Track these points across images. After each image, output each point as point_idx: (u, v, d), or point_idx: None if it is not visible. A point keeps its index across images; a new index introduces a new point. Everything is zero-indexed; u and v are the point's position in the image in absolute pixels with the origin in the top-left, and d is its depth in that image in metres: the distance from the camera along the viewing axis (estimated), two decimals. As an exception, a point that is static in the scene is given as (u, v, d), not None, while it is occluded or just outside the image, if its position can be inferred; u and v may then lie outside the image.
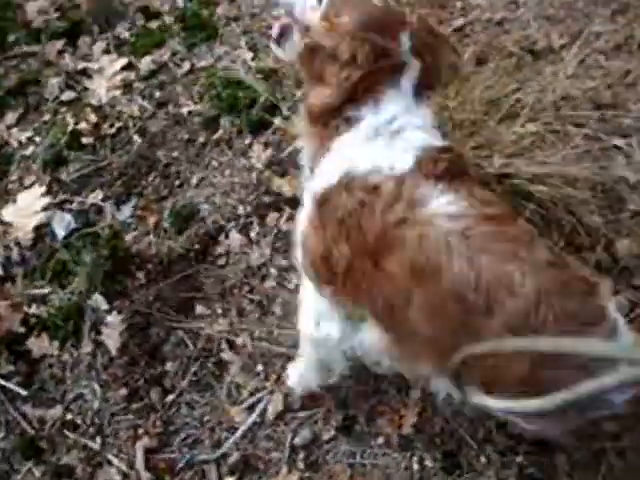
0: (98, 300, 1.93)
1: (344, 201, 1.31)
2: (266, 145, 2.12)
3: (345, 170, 1.32)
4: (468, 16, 2.49)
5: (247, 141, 2.16)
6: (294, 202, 1.93)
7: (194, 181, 2.12)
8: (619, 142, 2.27)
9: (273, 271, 2.00)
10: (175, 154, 2.16)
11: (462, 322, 1.22)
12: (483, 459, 1.79)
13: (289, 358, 1.88)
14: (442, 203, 1.25)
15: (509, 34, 2.46)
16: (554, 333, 1.14)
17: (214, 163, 2.15)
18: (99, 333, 1.90)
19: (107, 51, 2.30)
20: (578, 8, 2.57)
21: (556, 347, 0.96)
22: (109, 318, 1.90)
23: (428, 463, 1.79)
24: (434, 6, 2.50)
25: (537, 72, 2.27)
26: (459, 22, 2.46)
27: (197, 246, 2.03)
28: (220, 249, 2.04)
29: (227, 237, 2.05)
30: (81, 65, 2.25)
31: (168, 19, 2.41)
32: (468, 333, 1.21)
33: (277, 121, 2.16)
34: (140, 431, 1.82)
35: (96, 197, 2.07)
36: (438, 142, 1.39)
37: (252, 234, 2.04)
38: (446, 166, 1.30)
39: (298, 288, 1.70)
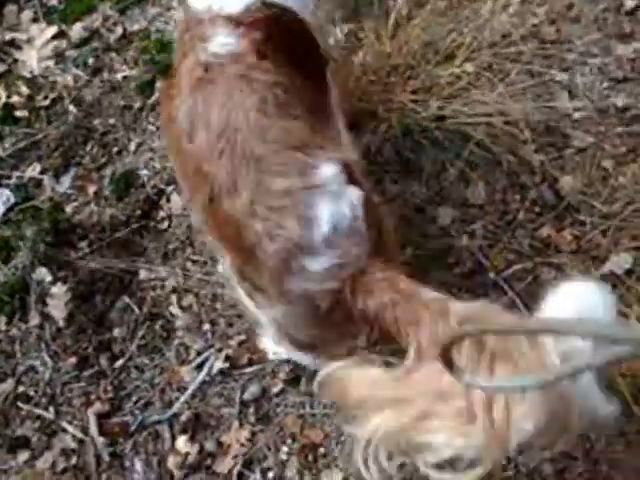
0: (42, 273, 1.93)
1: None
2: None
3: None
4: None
5: (183, 103, 2.13)
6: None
7: (132, 147, 2.10)
8: (562, 77, 2.24)
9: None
10: (112, 121, 2.13)
11: None
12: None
13: (235, 316, 1.90)
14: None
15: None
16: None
17: (151, 128, 2.12)
18: (45, 305, 1.91)
19: (35, 19, 2.25)
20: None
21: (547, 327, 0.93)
22: (54, 289, 1.91)
23: (377, 408, 1.82)
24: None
25: (475, 11, 2.22)
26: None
27: (139, 212, 2.02)
28: (162, 213, 2.03)
29: (168, 200, 2.04)
30: (9, 36, 2.20)
31: (98, -18, 2.35)
32: None
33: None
34: (92, 397, 1.85)
35: (34, 170, 2.05)
36: None
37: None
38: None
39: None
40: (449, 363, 1.11)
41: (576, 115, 2.18)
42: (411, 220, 1.98)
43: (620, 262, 1.95)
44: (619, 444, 1.73)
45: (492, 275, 1.95)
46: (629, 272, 1.93)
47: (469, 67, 2.07)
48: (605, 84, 2.24)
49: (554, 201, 2.04)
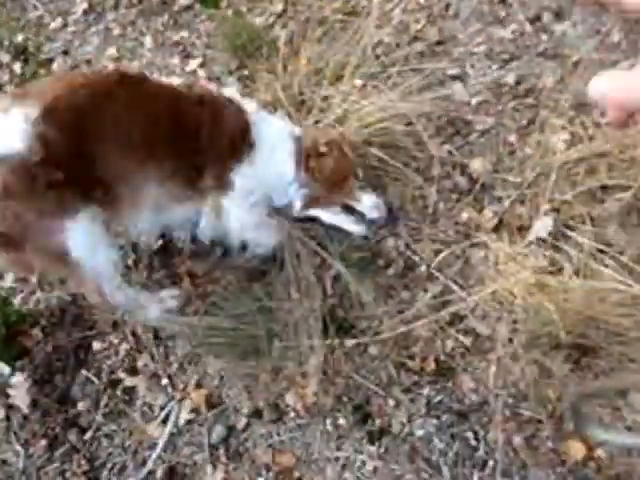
0: (0, 367, 1.99)
1: None
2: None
3: None
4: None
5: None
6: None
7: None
8: (453, 70, 2.36)
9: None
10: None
11: None
12: (392, 402, 1.86)
13: (189, 363, 1.97)
14: None
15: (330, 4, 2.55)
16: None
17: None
18: (8, 397, 1.96)
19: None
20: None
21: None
22: (14, 380, 1.96)
23: (342, 422, 1.86)
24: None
25: (357, 30, 2.35)
26: (279, 8, 2.55)
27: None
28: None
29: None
30: None
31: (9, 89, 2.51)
32: None
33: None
34: (68, 475, 1.88)
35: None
36: None
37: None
38: None
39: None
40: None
41: (473, 101, 2.30)
42: (332, 235, 2.07)
43: (543, 227, 2.02)
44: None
45: (424, 268, 2.02)
46: (553, 234, 2.01)
47: (357, 81, 2.20)
48: (494, 66, 2.36)
49: (468, 185, 2.14)
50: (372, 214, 2.04)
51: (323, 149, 1.92)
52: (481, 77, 2.35)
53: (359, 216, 2.07)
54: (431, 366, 1.89)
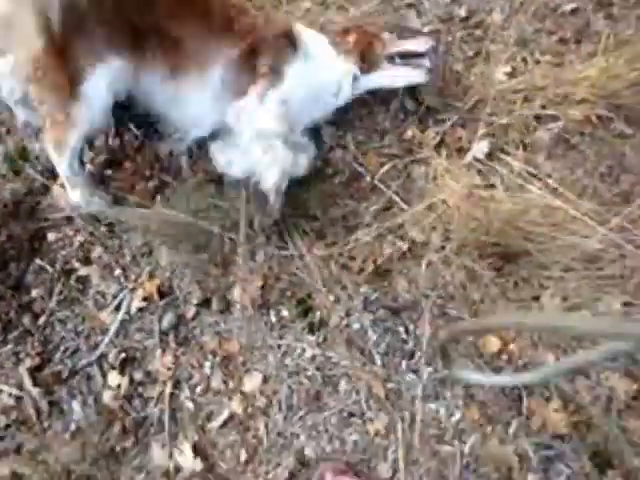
0: (-48, 253, 2.03)
1: None
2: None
3: None
4: None
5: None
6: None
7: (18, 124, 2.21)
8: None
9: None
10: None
11: None
12: (332, 297, 2.02)
13: (142, 255, 2.06)
14: None
15: None
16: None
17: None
18: (-41, 282, 2.01)
19: None
20: None
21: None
22: (-34, 266, 2.01)
23: (285, 313, 2.01)
24: None
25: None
26: None
27: (37, 183, 2.15)
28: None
29: (64, 167, 2.17)
30: None
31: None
32: None
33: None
34: (21, 355, 1.97)
35: None
36: None
37: (85, 157, 2.16)
38: None
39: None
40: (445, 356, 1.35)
41: (426, 29, 2.42)
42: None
43: (480, 149, 2.20)
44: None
45: (369, 179, 2.16)
46: (489, 156, 2.19)
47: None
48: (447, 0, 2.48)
49: (415, 107, 2.27)
50: (422, 46, 2.14)
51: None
52: (434, 8, 2.47)
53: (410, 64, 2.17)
54: (370, 268, 2.05)
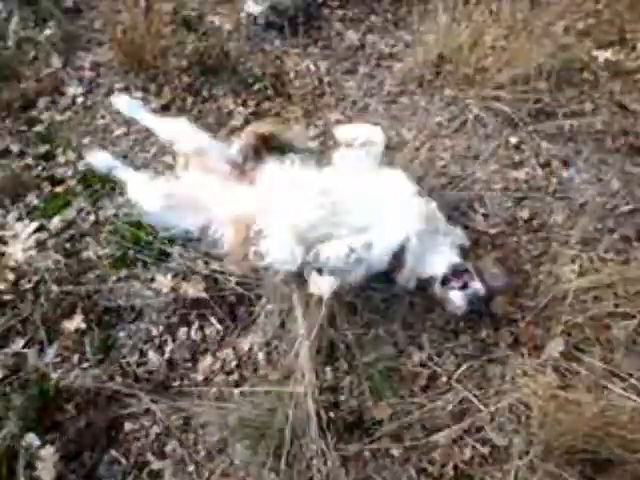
0: (31, 438, 2.04)
1: None
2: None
3: None
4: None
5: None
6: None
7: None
8: (476, 204, 2.65)
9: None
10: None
11: None
12: (411, 505, 1.91)
13: (219, 452, 2.03)
14: None
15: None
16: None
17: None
18: (34, 469, 2.00)
19: (20, 218, 2.60)
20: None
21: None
22: (42, 452, 2.01)
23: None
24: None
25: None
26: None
27: (120, 371, 2.21)
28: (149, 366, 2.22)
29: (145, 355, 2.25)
30: (-3, 234, 2.53)
31: (71, 183, 2.76)
32: None
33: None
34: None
35: (17, 346, 2.25)
36: None
37: (166, 349, 2.25)
38: None
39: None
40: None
41: (492, 231, 2.55)
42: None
43: (555, 347, 2.20)
44: None
45: (445, 379, 2.16)
46: (565, 354, 2.18)
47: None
48: (509, 203, 2.65)
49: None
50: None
51: None
52: (498, 211, 2.63)
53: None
54: (450, 473, 1.97)
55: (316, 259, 2.11)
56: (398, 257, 2.16)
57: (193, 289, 2.35)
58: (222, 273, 2.36)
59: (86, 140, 2.97)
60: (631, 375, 2.12)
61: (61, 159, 2.89)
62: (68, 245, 2.56)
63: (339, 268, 2.10)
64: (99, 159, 2.79)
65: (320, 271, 2.13)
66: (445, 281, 2.18)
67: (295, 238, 2.18)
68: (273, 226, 2.22)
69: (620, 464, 1.87)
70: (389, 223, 2.17)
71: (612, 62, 3.15)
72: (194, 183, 2.49)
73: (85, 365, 2.23)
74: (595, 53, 3.18)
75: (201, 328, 2.29)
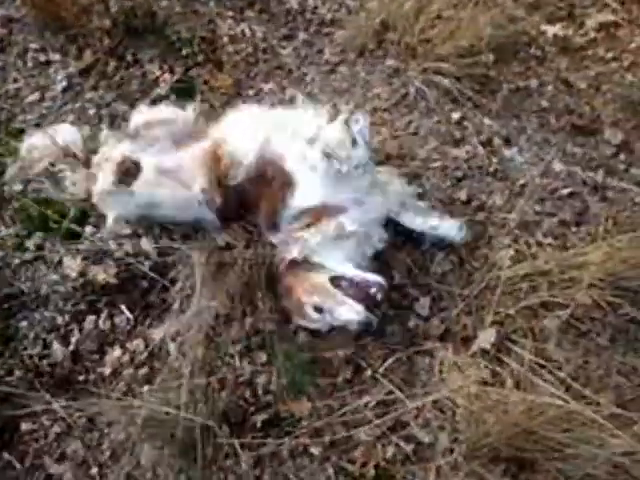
0: None
1: None
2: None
3: None
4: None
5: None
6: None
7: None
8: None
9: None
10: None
11: None
12: (328, 507, 1.81)
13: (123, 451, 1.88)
14: None
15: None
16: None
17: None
18: None
19: None
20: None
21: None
22: None
23: None
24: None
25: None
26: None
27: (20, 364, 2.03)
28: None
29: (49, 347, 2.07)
30: None
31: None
32: None
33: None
34: None
35: None
36: None
37: (72, 340, 2.06)
38: None
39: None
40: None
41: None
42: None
43: (487, 338, 2.10)
44: None
45: (369, 372, 2.04)
46: (495, 345, 2.08)
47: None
48: (448, 182, 2.52)
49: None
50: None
51: None
52: (436, 191, 2.50)
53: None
54: (371, 472, 1.87)
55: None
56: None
57: (104, 274, 2.16)
58: (135, 256, 2.18)
59: (-6, 107, 2.70)
60: (560, 369, 2.03)
61: (-35, 127, 2.63)
62: (-32, 229, 2.33)
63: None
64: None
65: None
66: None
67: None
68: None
69: (543, 463, 1.79)
70: None
71: (560, 37, 3.02)
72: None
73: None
74: (544, 27, 3.04)
75: (110, 317, 2.11)
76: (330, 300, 1.93)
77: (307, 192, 2.01)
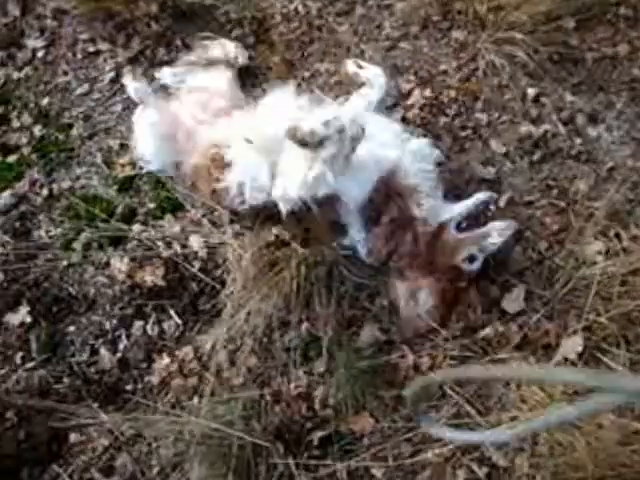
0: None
1: None
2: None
3: None
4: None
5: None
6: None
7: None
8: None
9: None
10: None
11: None
12: None
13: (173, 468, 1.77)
14: None
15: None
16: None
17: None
18: (-34, 489, 1.78)
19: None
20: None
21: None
22: (-21, 470, 1.79)
23: None
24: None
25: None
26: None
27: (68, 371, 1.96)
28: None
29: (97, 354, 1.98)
30: None
31: (26, 151, 2.46)
32: None
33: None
34: None
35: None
36: None
37: (120, 346, 1.97)
38: None
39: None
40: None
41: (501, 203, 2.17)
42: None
43: (572, 347, 1.85)
44: None
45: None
46: (582, 355, 1.83)
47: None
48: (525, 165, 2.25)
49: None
50: None
51: None
52: (510, 176, 2.24)
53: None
54: (439, 499, 1.68)
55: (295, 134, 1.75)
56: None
57: (151, 275, 2.05)
58: (184, 256, 2.06)
59: (45, 101, 2.64)
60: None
61: (16, 123, 2.58)
62: (18, 224, 2.27)
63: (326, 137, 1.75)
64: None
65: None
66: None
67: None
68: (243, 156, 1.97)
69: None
70: None
71: (656, -7, 2.63)
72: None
73: (29, 365, 1.97)
74: (636, -19, 2.66)
75: (158, 322, 2.00)
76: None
77: None
